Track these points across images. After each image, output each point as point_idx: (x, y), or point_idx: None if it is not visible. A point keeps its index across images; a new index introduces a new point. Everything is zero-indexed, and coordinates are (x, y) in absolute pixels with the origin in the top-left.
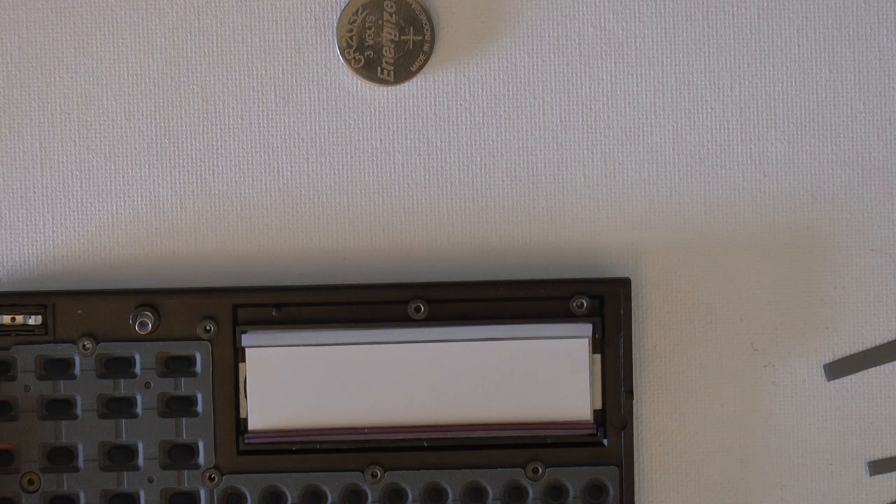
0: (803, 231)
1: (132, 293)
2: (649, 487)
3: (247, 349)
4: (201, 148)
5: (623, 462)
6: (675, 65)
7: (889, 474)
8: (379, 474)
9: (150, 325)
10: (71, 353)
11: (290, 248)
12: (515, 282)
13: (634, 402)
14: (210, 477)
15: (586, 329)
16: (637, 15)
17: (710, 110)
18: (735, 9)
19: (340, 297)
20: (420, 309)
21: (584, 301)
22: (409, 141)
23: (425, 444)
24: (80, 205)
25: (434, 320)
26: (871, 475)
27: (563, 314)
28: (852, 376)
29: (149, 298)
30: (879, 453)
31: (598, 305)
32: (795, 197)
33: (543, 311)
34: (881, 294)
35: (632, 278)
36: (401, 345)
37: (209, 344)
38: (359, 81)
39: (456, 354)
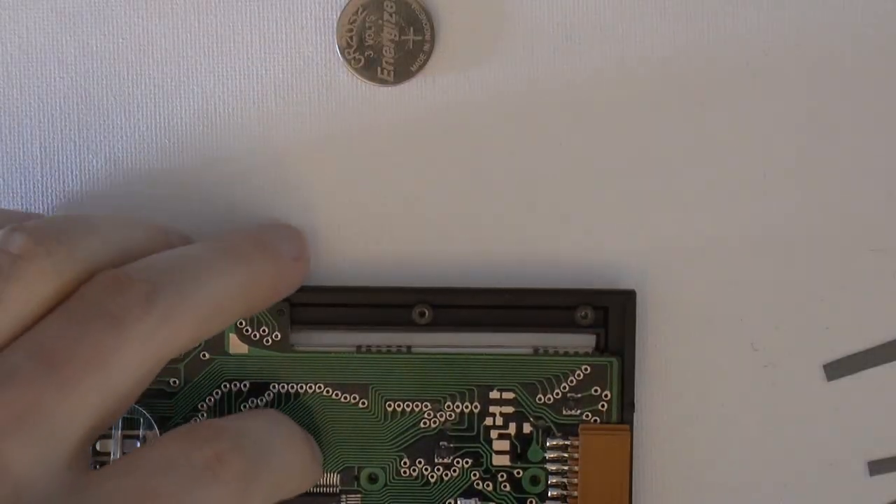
0: (803, 231)
1: None
2: (649, 489)
3: None
4: (201, 148)
5: None
6: (677, 65)
7: (889, 474)
8: None
9: None
10: None
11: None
12: (520, 290)
13: (635, 412)
14: None
15: (588, 340)
16: (638, 15)
17: (711, 111)
18: (737, 8)
19: (341, 299)
20: (424, 314)
21: (588, 312)
22: (409, 141)
23: None
24: (79, 205)
25: (438, 325)
26: (871, 475)
27: (567, 324)
28: (852, 376)
29: None
30: (879, 453)
31: (603, 316)
32: (795, 196)
33: (548, 321)
34: (881, 294)
35: (632, 279)
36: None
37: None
38: (359, 81)
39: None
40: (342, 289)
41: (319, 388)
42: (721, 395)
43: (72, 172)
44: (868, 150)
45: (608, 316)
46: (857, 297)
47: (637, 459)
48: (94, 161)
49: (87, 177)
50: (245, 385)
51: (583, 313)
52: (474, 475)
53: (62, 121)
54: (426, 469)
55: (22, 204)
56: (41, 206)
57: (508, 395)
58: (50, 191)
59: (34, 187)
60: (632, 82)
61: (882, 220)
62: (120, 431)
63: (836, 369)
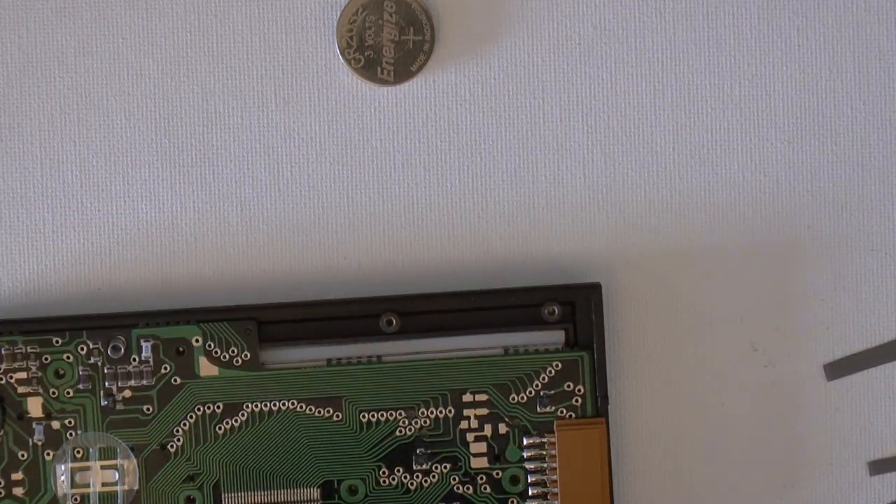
0: (803, 231)
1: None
2: (647, 490)
3: None
4: (201, 147)
5: None
6: (675, 65)
7: (889, 474)
8: None
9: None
10: None
11: (292, 247)
12: (485, 291)
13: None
14: None
15: (558, 336)
16: (637, 15)
17: (710, 110)
18: (735, 9)
19: (308, 314)
20: (392, 322)
21: (555, 308)
22: (409, 141)
23: None
24: (79, 205)
25: (406, 333)
26: (871, 475)
27: (535, 321)
28: (852, 376)
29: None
30: (879, 453)
31: (570, 311)
32: (795, 197)
33: (516, 319)
34: (881, 294)
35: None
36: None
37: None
38: (359, 81)
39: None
40: (308, 303)
41: (293, 404)
42: (721, 395)
43: (72, 172)
44: (867, 150)
45: (575, 310)
46: (857, 297)
47: (635, 460)
48: (94, 161)
49: (87, 177)
50: (218, 407)
51: (549, 309)
52: (454, 479)
53: (62, 121)
54: (405, 477)
55: (22, 204)
56: (41, 206)
57: (482, 397)
58: (50, 191)
59: (34, 187)
60: (631, 81)
61: (882, 220)
62: (98, 462)
63: (836, 369)
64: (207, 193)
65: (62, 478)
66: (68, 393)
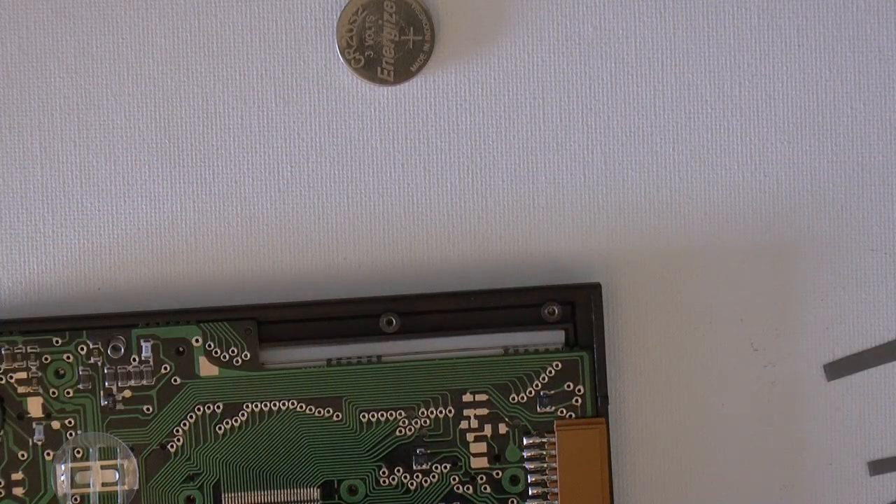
0: (803, 231)
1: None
2: (647, 490)
3: None
4: (201, 147)
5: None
6: (675, 65)
7: (889, 474)
8: None
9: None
10: None
11: (292, 247)
12: (485, 291)
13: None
14: None
15: (558, 336)
16: (637, 15)
17: (710, 110)
18: (735, 9)
19: (308, 314)
20: (392, 322)
21: (555, 308)
22: (409, 141)
23: None
24: (79, 205)
25: (406, 333)
26: (871, 475)
27: (535, 321)
28: (852, 376)
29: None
30: (879, 453)
31: (570, 311)
32: (795, 197)
33: (516, 319)
34: (881, 294)
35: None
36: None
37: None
38: (359, 81)
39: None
40: (308, 303)
41: (293, 404)
42: (721, 395)
43: (72, 172)
44: (867, 150)
45: (575, 310)
46: (857, 297)
47: (635, 460)
48: (94, 161)
49: (87, 177)
50: (218, 407)
51: (549, 309)
52: (454, 479)
53: (62, 121)
54: (405, 477)
55: (22, 204)
56: (41, 206)
57: (482, 397)
58: (50, 191)
59: (34, 187)
60: (631, 81)
61: (882, 220)
62: (98, 462)
63: (836, 369)
64: (207, 193)
65: (62, 478)
66: (68, 393)
